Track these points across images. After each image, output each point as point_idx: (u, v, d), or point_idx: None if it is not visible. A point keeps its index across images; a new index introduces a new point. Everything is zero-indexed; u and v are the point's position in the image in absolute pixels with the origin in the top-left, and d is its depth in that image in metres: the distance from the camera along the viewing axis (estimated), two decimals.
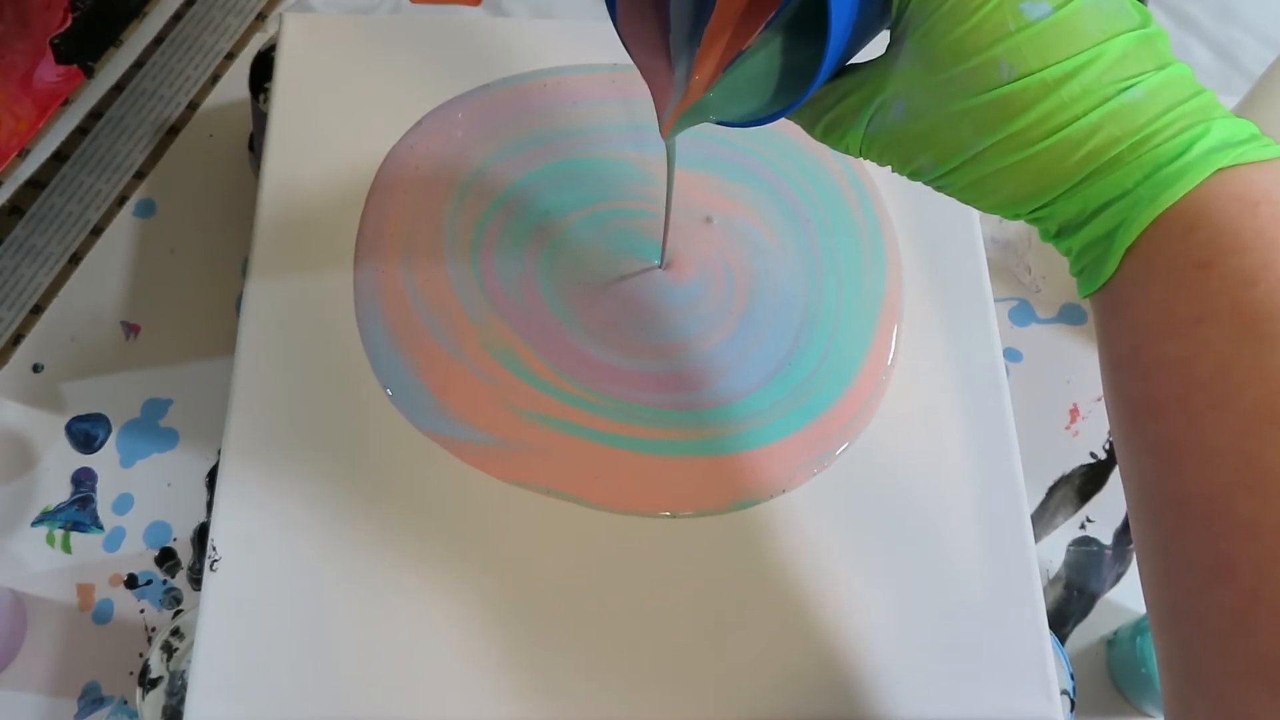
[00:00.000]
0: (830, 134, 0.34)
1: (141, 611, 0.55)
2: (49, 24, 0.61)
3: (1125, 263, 0.29)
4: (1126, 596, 0.58)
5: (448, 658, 0.42)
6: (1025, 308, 0.65)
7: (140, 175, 0.66)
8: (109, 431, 0.58)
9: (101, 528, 0.56)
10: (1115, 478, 0.61)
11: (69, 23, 0.62)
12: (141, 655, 0.53)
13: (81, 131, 0.67)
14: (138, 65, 0.69)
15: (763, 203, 0.53)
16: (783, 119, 0.34)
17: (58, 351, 0.60)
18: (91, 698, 0.53)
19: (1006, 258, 0.66)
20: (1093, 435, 0.62)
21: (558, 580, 0.44)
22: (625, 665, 0.43)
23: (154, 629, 0.54)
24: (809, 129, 0.34)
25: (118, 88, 0.68)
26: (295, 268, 0.49)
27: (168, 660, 0.49)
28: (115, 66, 0.68)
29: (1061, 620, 0.57)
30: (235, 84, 0.69)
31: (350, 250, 0.50)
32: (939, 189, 0.32)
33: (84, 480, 0.57)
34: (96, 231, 0.64)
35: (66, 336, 0.61)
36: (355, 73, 0.54)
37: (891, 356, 0.50)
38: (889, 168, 0.33)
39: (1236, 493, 0.26)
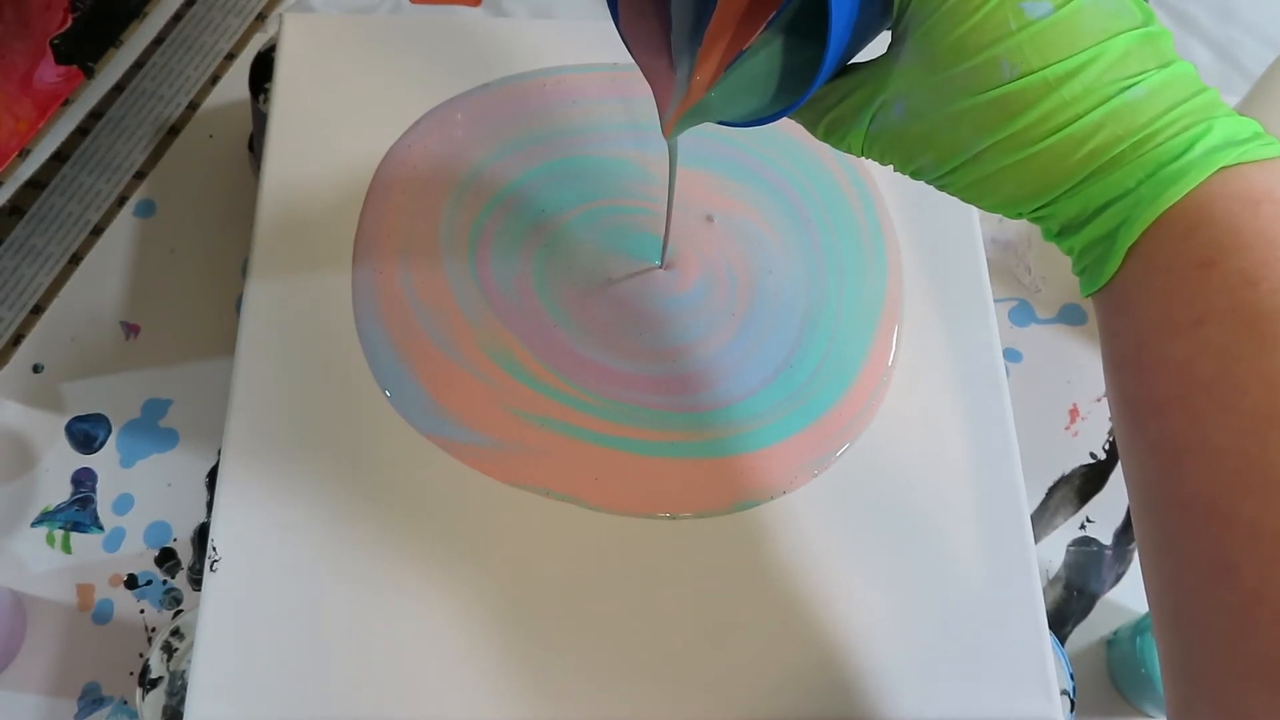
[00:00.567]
0: (832, 133, 0.34)
1: (141, 612, 0.54)
2: (49, 24, 0.60)
3: (1127, 262, 0.29)
4: (1126, 597, 0.58)
5: (448, 658, 0.42)
6: (1025, 308, 0.65)
7: (140, 175, 0.66)
8: (109, 431, 0.58)
9: (101, 528, 0.56)
10: (1115, 478, 0.61)
11: (69, 23, 0.62)
12: (141, 655, 0.53)
13: (82, 132, 0.67)
14: (138, 65, 0.69)
15: (764, 202, 0.53)
16: (784, 118, 0.34)
17: (58, 351, 0.60)
18: (91, 698, 0.53)
19: (1006, 258, 0.66)
20: (1093, 435, 0.62)
21: (557, 581, 0.44)
22: (625, 666, 0.43)
23: (154, 629, 0.54)
24: (810, 128, 0.34)
25: (118, 88, 0.68)
26: (295, 268, 0.49)
27: (168, 660, 0.49)
28: (115, 67, 0.68)
29: (1061, 620, 0.57)
30: (235, 84, 0.69)
31: (350, 250, 0.50)
32: (941, 188, 0.32)
33: (84, 480, 0.57)
34: (97, 232, 0.64)
35: (66, 336, 0.61)
36: (355, 73, 0.54)
37: (892, 357, 0.50)
38: (890, 167, 0.33)
39: (1238, 493, 0.26)
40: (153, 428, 0.58)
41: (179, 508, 0.57)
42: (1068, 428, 0.62)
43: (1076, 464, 0.61)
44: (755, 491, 0.46)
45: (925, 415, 0.49)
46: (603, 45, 0.55)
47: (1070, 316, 0.65)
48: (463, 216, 0.51)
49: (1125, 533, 0.59)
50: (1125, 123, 0.28)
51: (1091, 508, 0.60)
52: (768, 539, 0.45)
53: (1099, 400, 0.63)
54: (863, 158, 0.34)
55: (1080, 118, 0.28)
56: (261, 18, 0.73)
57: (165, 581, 0.55)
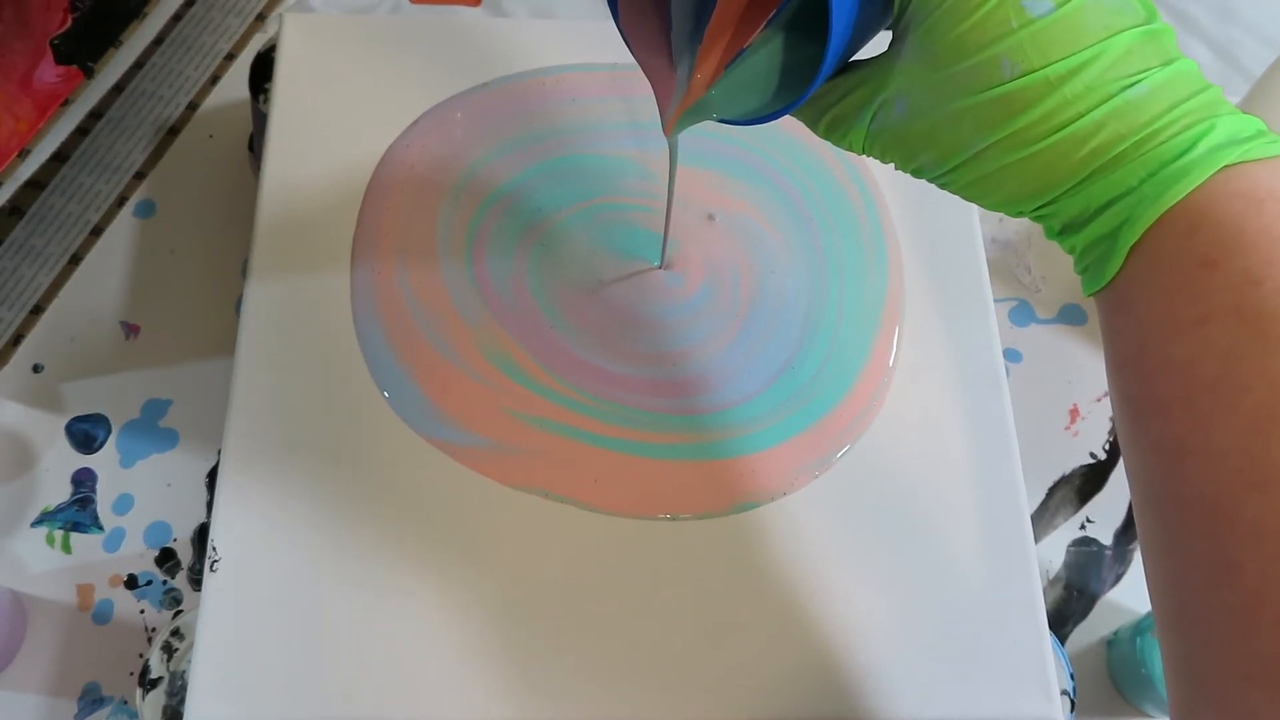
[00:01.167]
0: (833, 131, 0.34)
1: (141, 612, 0.54)
2: (49, 24, 0.60)
3: (1129, 261, 0.29)
4: (1126, 597, 0.58)
5: (447, 659, 0.42)
6: (1025, 308, 0.65)
7: (140, 175, 0.66)
8: (109, 432, 0.58)
9: (101, 528, 0.56)
10: (1115, 478, 0.61)
11: (69, 23, 0.61)
12: (141, 655, 0.53)
13: (81, 132, 0.67)
14: (138, 66, 0.69)
15: (765, 200, 0.53)
16: (785, 116, 0.34)
17: (58, 352, 0.60)
18: (91, 698, 0.53)
19: (1006, 258, 0.66)
20: (1093, 436, 0.62)
21: (556, 582, 0.44)
22: (625, 667, 0.43)
23: (154, 629, 0.54)
24: (812, 126, 0.34)
25: (118, 88, 0.68)
26: (295, 268, 0.49)
27: (168, 660, 0.49)
28: (115, 67, 0.68)
29: (1061, 620, 0.57)
30: (235, 84, 0.69)
31: (349, 251, 0.50)
32: (942, 186, 0.32)
33: (84, 480, 0.57)
34: (96, 232, 0.64)
35: (66, 337, 0.61)
36: (355, 73, 0.54)
37: (893, 358, 0.50)
38: (891, 165, 0.33)
39: (1241, 494, 0.26)
40: (153, 428, 0.58)
41: (179, 508, 0.57)
42: (1068, 428, 0.62)
43: (1076, 464, 0.61)
44: (755, 493, 0.46)
45: (925, 415, 0.49)
46: (603, 45, 0.55)
47: (1070, 316, 0.65)
48: (460, 216, 0.51)
49: (1125, 533, 0.59)
50: (1127, 121, 0.28)
51: (1091, 508, 0.60)
52: (768, 540, 0.45)
53: (1099, 400, 0.63)
54: (864, 156, 0.34)
55: (1082, 116, 0.28)
56: (261, 18, 0.73)
57: (165, 581, 0.55)
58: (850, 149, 0.34)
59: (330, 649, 0.42)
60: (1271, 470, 0.25)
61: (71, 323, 0.61)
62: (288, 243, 0.50)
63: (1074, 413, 0.62)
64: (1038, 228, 0.32)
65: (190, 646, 0.46)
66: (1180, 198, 0.28)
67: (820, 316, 0.50)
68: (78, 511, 0.56)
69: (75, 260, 0.63)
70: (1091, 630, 0.57)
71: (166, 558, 0.56)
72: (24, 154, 0.64)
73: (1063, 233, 0.31)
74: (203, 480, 0.57)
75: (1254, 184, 0.27)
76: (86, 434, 0.58)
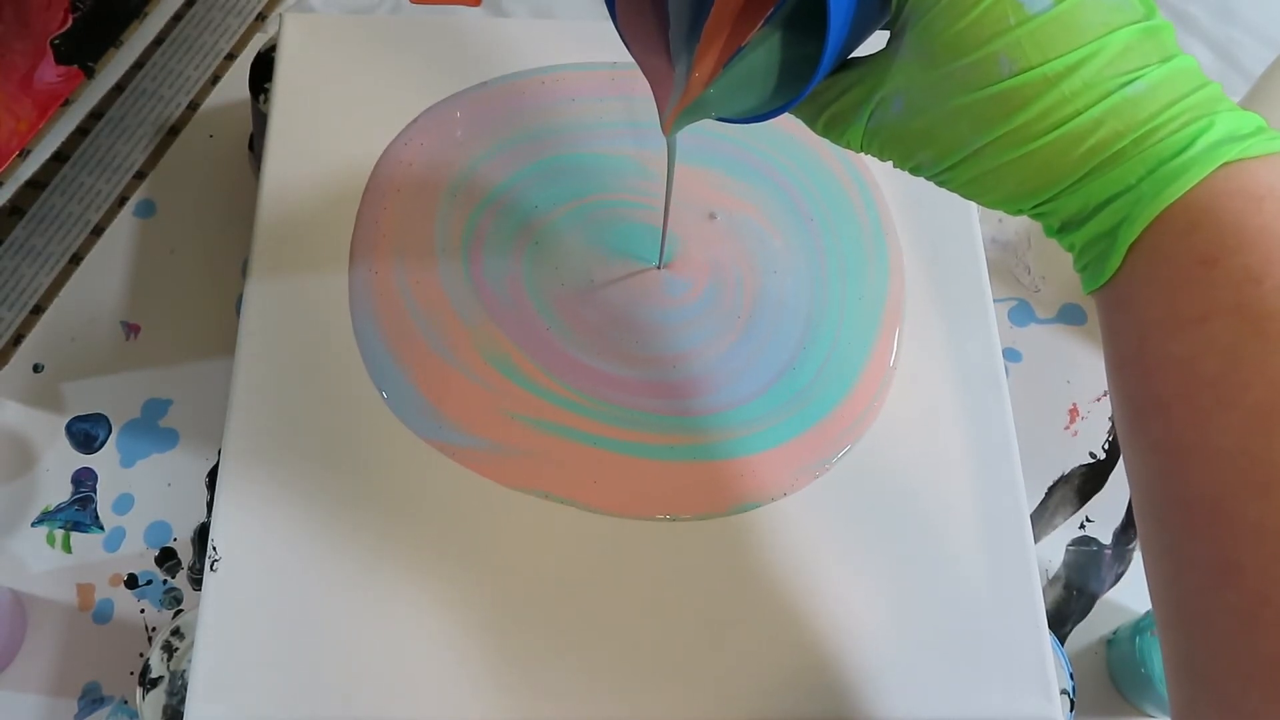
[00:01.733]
0: (831, 129, 0.34)
1: (142, 611, 0.54)
2: (49, 24, 0.60)
3: (1129, 259, 0.29)
4: (1126, 596, 0.58)
5: (447, 659, 0.42)
6: (1025, 308, 0.65)
7: (140, 175, 0.66)
8: (109, 431, 0.58)
9: (102, 528, 0.56)
10: (1115, 478, 0.61)
11: (69, 23, 0.61)
12: (142, 655, 0.53)
13: (82, 132, 0.67)
14: (138, 65, 0.69)
15: (765, 199, 0.53)
16: (784, 114, 0.34)
17: (58, 351, 0.60)
18: (91, 698, 0.53)
19: (1006, 258, 0.66)
20: (1092, 435, 0.62)
21: (556, 583, 0.44)
22: (626, 667, 0.43)
23: (154, 629, 0.54)
24: (810, 124, 0.34)
25: (118, 88, 0.68)
26: (295, 268, 0.49)
27: (168, 660, 0.49)
28: (115, 67, 0.68)
29: (1061, 620, 0.57)
30: (235, 84, 0.69)
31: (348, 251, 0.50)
32: (940, 184, 0.32)
33: (84, 480, 0.57)
34: (97, 232, 0.64)
35: (67, 336, 0.61)
36: (355, 73, 0.54)
37: (893, 359, 0.50)
38: (890, 163, 0.33)
39: (1243, 494, 0.26)
40: (153, 428, 0.58)
41: (179, 508, 0.57)
42: (1067, 427, 0.62)
43: (1076, 464, 0.61)
44: (755, 494, 0.46)
45: (925, 415, 0.49)
46: (603, 45, 0.55)
47: (1070, 316, 0.65)
48: (457, 215, 0.51)
49: (1125, 532, 0.59)
50: (1126, 118, 0.28)
51: (1091, 507, 0.60)
52: (768, 540, 0.45)
53: (1099, 400, 0.63)
54: (862, 153, 0.34)
55: (1080, 114, 0.28)
56: (261, 18, 0.73)
57: (165, 581, 0.55)
58: (848, 147, 0.34)
59: (330, 649, 0.42)
60: (1273, 470, 0.25)
61: (72, 323, 0.61)
62: (288, 243, 0.50)
63: (1073, 412, 0.62)
64: (1037, 227, 0.32)
65: (190, 646, 0.46)
66: (1179, 195, 0.28)
67: (821, 317, 0.50)
68: (78, 511, 0.56)
69: (75, 260, 0.63)
70: (1091, 630, 0.57)
71: (166, 557, 0.56)
72: (24, 154, 0.64)
73: (1062, 231, 0.31)
74: (203, 480, 0.57)
75: (1254, 181, 0.27)
76: (87, 434, 0.58)
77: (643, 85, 0.37)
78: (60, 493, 0.57)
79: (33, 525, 0.56)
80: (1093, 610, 0.58)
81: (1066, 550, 0.59)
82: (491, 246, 0.51)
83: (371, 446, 0.46)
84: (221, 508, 0.44)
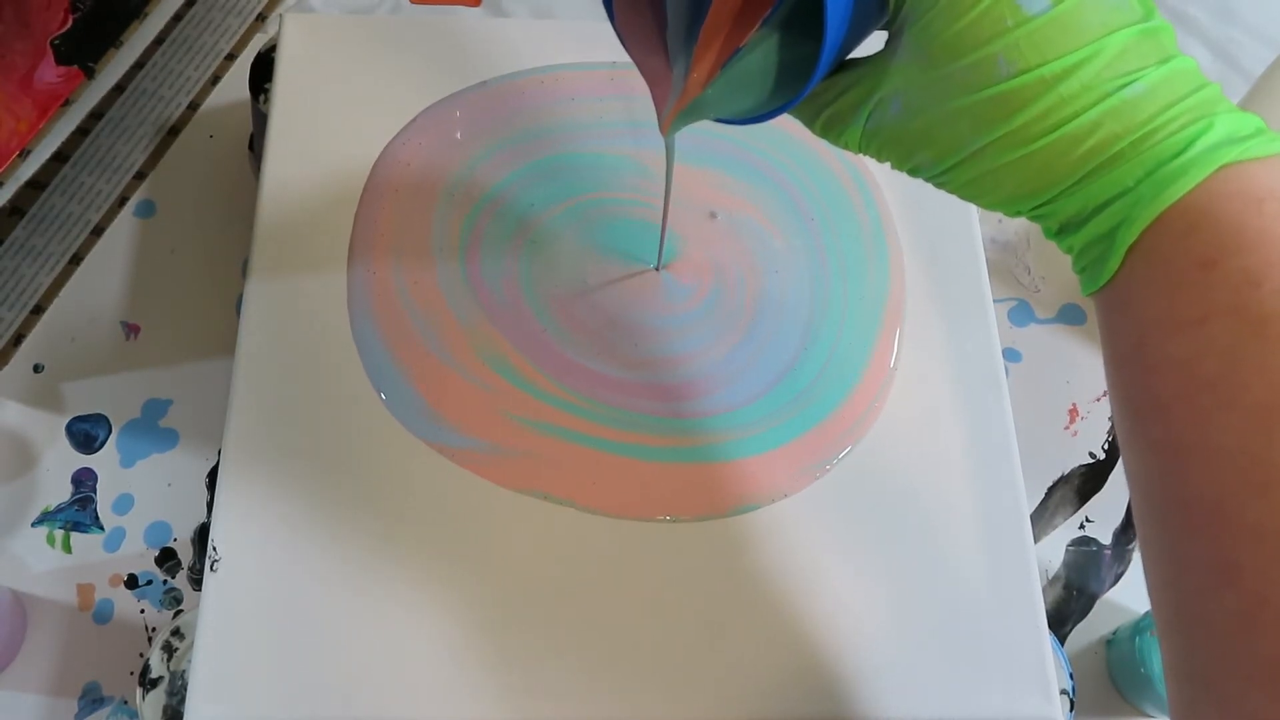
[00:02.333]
0: (829, 130, 0.34)
1: (142, 611, 0.54)
2: (49, 24, 0.60)
3: (1127, 261, 0.29)
4: (1126, 596, 0.58)
5: (447, 659, 0.42)
6: (1024, 308, 0.65)
7: (140, 176, 0.66)
8: (109, 431, 0.58)
9: (102, 528, 0.56)
10: (1114, 478, 0.61)
11: (69, 23, 0.61)
12: (142, 655, 0.53)
13: (82, 132, 0.67)
14: (138, 66, 0.69)
15: (765, 199, 0.53)
16: (783, 114, 0.34)
17: (58, 351, 0.60)
18: (91, 698, 0.53)
19: (1006, 258, 0.66)
20: (1092, 435, 0.62)
21: (556, 584, 0.44)
22: (626, 668, 0.43)
23: (154, 629, 0.54)
24: (808, 125, 0.34)
25: (118, 88, 0.68)
26: (295, 269, 0.49)
27: (168, 660, 0.49)
28: (115, 67, 0.68)
29: (1061, 620, 0.57)
30: (235, 84, 0.69)
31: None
32: (939, 185, 0.32)
33: (84, 480, 0.57)
34: (97, 232, 0.64)
35: (67, 336, 0.61)
36: (355, 73, 0.54)
37: (894, 359, 0.50)
38: (888, 164, 0.33)
39: (1242, 495, 0.26)
40: (153, 428, 0.58)
41: (179, 508, 0.57)
42: (1067, 427, 0.62)
43: (1076, 464, 0.61)
44: (755, 495, 0.46)
45: (925, 416, 0.49)
46: (602, 45, 0.55)
47: (1070, 316, 0.65)
48: (455, 215, 0.51)
49: (1125, 532, 0.59)
50: (1124, 120, 0.28)
51: (1091, 507, 0.60)
52: (768, 541, 0.45)
53: (1098, 400, 0.63)
54: (861, 154, 0.34)
55: (1079, 115, 0.28)
56: (261, 18, 0.73)
57: (165, 581, 0.55)
58: (847, 148, 0.34)
59: (330, 649, 0.42)
60: (1272, 471, 0.25)
61: (72, 323, 0.61)
62: (288, 243, 0.50)
63: (1073, 412, 0.62)
64: (1037, 228, 0.32)
65: (190, 646, 0.46)
66: (1178, 197, 0.27)
67: (822, 319, 0.50)
68: (78, 511, 0.56)
69: (75, 260, 0.63)
70: (1091, 630, 0.57)
71: (166, 557, 0.56)
72: (24, 154, 0.64)
73: (1061, 232, 0.31)
74: (203, 480, 0.57)
75: (1253, 183, 0.27)
76: (87, 434, 0.58)
77: (642, 84, 0.37)
78: (60, 493, 0.57)
79: (33, 525, 0.56)
80: (1092, 610, 0.58)
81: (1066, 550, 0.59)
82: (488, 246, 0.51)
83: (371, 447, 0.46)
84: (221, 508, 0.44)
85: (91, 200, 0.65)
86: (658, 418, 0.47)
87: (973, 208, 0.53)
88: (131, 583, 0.55)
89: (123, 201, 0.65)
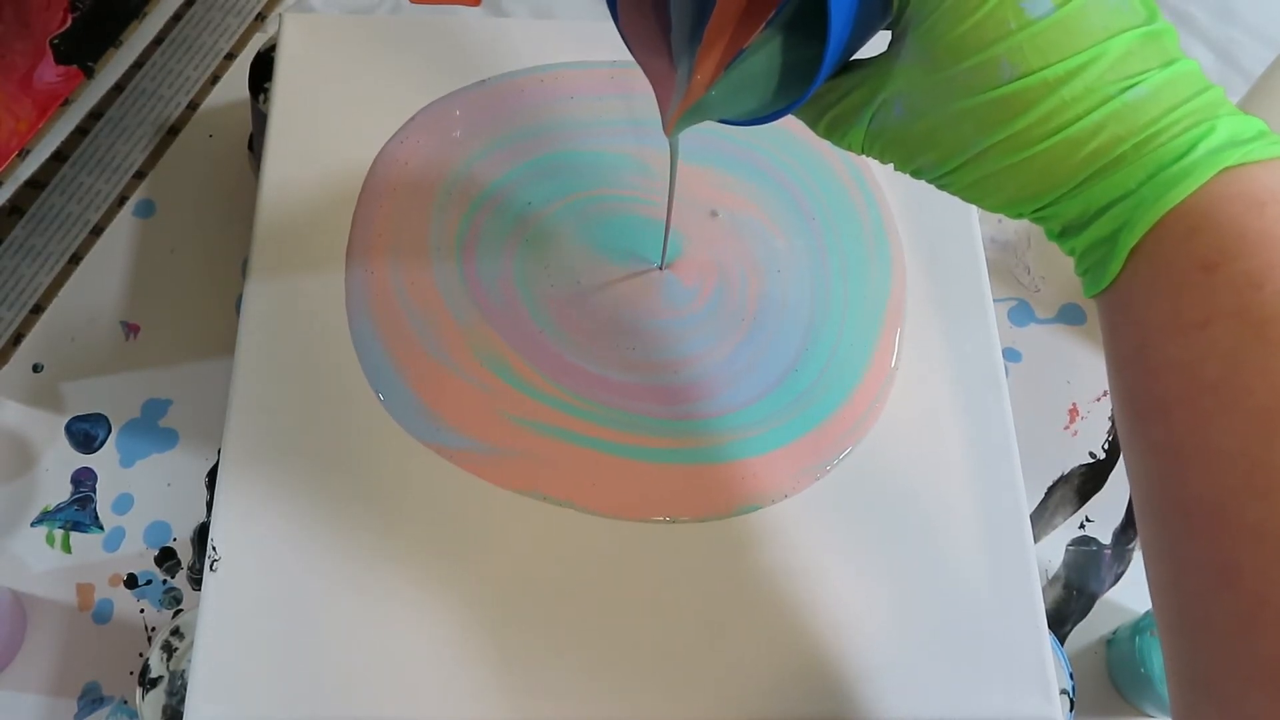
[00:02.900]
0: (833, 131, 0.34)
1: (141, 611, 0.54)
2: (49, 24, 0.60)
3: (1130, 264, 0.29)
4: (1126, 596, 0.58)
5: (447, 659, 0.42)
6: (1024, 308, 0.65)
7: (140, 175, 0.66)
8: (109, 431, 0.58)
9: (101, 528, 0.56)
10: (1114, 478, 0.61)
11: (69, 23, 0.61)
12: (141, 655, 0.53)
13: (81, 132, 0.67)
14: (138, 65, 0.69)
15: (767, 198, 0.53)
16: (786, 115, 0.34)
17: (58, 351, 0.60)
18: (91, 698, 0.53)
19: (1006, 258, 0.66)
20: (1092, 435, 0.62)
21: (555, 584, 0.44)
22: (626, 668, 0.43)
23: (154, 629, 0.54)
24: (812, 126, 0.34)
25: (118, 88, 0.68)
26: (295, 268, 0.49)
27: (168, 660, 0.49)
28: (115, 67, 0.68)
29: (1061, 620, 0.57)
30: (235, 84, 0.69)
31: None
32: (941, 187, 0.32)
33: (84, 480, 0.57)
34: (96, 231, 0.64)
35: (66, 336, 0.61)
36: (355, 73, 0.54)
37: (894, 360, 0.50)
38: (891, 165, 0.33)
39: (1243, 497, 0.26)
40: (153, 428, 0.58)
41: (179, 508, 0.57)
42: (1067, 427, 0.62)
43: (1076, 464, 0.61)
44: (756, 496, 0.46)
45: (925, 416, 0.49)
46: (603, 45, 0.55)
47: (1070, 316, 0.65)
48: (452, 214, 0.51)
49: (1124, 532, 0.59)
50: (1127, 123, 0.28)
51: (1091, 507, 0.60)
52: (768, 542, 0.45)
53: (1098, 400, 0.63)
54: (863, 155, 0.34)
55: (1081, 118, 0.28)
56: (261, 18, 0.73)
57: (165, 581, 0.55)
58: (849, 149, 0.34)
59: (330, 649, 0.42)
60: (1273, 474, 0.25)
61: (71, 322, 0.61)
62: (288, 242, 0.50)
63: (1073, 412, 0.62)
64: (1037, 228, 0.32)
65: (190, 646, 0.46)
66: (1180, 200, 0.28)
67: (824, 320, 0.50)
68: (78, 511, 0.56)
69: (75, 260, 0.63)
70: (1091, 630, 0.57)
71: (166, 557, 0.56)
72: (24, 154, 0.64)
73: (1063, 235, 0.31)
74: (203, 480, 0.57)
75: (1255, 186, 0.27)
76: (86, 434, 0.58)
77: (642, 82, 0.37)
78: (60, 493, 0.57)
79: (32, 525, 0.56)
80: (1092, 610, 0.58)
81: (1066, 550, 0.59)
82: (485, 245, 0.50)
83: (370, 448, 0.46)
84: (221, 508, 0.44)
85: (91, 200, 0.65)
86: (658, 419, 0.47)
87: (973, 208, 0.53)
88: (131, 582, 0.55)
89: (122, 201, 0.65)
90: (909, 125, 0.31)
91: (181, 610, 0.54)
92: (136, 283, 0.62)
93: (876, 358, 0.50)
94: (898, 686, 0.43)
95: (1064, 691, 0.50)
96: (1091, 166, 0.29)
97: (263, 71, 0.60)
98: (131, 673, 0.53)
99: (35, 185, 0.65)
